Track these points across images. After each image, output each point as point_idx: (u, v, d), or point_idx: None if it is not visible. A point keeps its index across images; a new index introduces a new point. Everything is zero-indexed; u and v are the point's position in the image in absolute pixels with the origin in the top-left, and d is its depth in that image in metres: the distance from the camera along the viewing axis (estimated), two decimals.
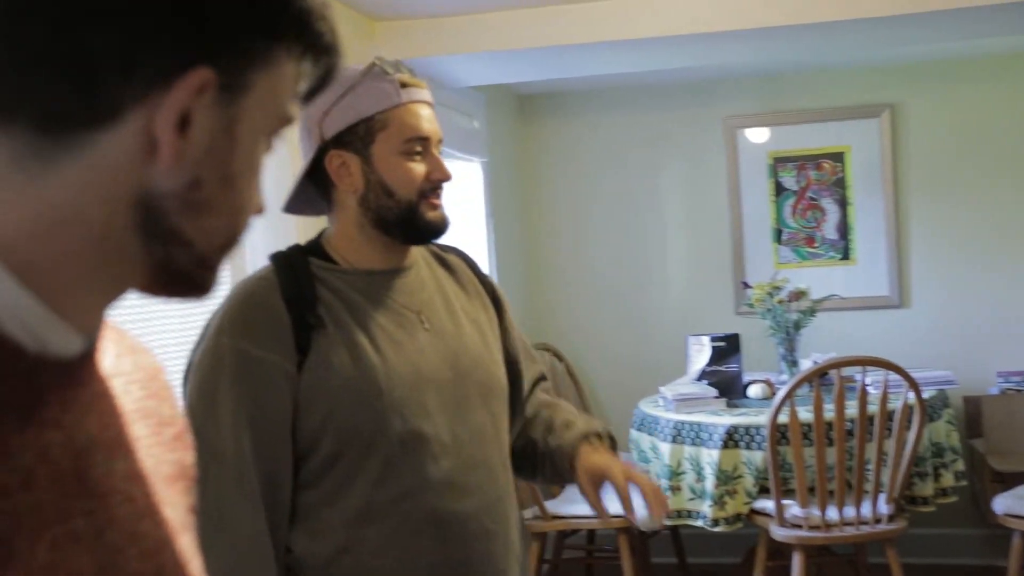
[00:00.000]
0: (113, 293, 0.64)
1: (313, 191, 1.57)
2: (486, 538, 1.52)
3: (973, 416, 4.24)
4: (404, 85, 1.51)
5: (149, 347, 0.79)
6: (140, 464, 0.67)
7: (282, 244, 1.61)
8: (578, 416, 1.74)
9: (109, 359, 0.68)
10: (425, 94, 1.55)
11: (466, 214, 4.11)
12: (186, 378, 1.48)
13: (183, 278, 0.64)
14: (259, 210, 0.68)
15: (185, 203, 0.62)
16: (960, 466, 3.73)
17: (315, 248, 1.56)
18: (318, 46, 0.67)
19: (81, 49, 0.58)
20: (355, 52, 1.54)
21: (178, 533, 0.69)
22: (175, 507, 0.70)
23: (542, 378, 1.79)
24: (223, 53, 0.61)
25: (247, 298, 1.49)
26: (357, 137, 1.49)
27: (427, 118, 1.53)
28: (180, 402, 1.53)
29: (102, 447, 0.64)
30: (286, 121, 0.68)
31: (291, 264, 1.51)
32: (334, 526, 1.46)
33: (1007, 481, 3.88)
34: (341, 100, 1.49)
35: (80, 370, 0.64)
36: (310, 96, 0.70)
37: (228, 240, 0.66)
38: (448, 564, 1.48)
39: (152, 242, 0.62)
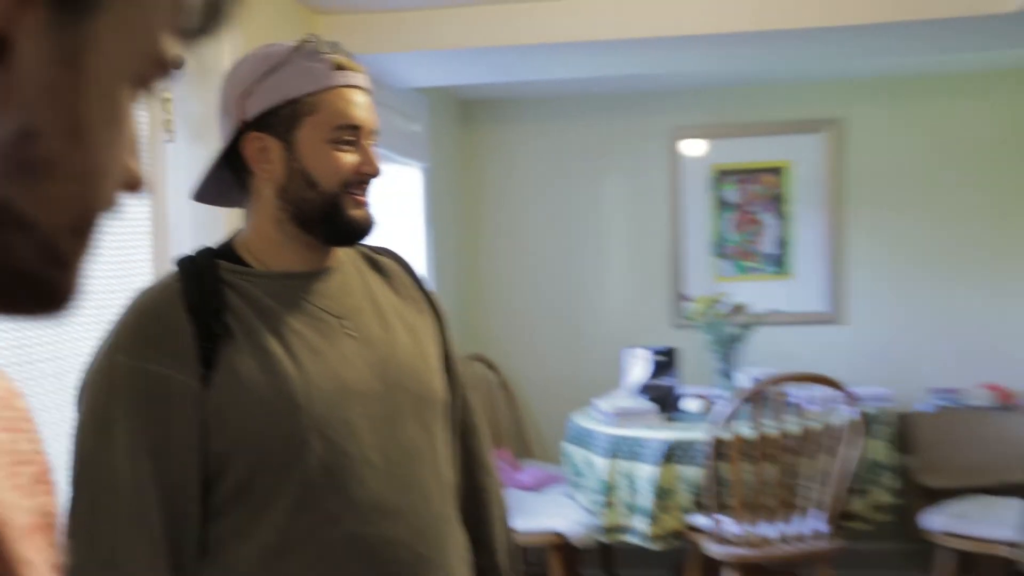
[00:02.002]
0: None
1: (230, 179, 1.40)
2: (419, 565, 1.35)
3: (906, 432, 4.25)
4: (339, 67, 1.36)
5: (2, 368, 0.62)
6: None
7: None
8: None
9: None
10: (362, 79, 1.39)
11: (404, 219, 4.00)
12: (79, 402, 1.30)
13: (26, 281, 0.45)
14: (134, 182, 0.49)
15: (15, 163, 0.43)
16: (894, 483, 3.75)
17: (226, 250, 1.39)
18: None
19: None
20: None
21: None
22: (34, 565, 0.57)
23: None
24: None
25: (145, 308, 1.31)
26: (281, 120, 1.33)
27: (362, 105, 1.37)
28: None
29: None
30: (161, 64, 0.48)
31: (197, 268, 1.34)
32: (248, 560, 1.29)
33: (937, 497, 3.91)
34: (267, 78, 1.33)
35: None
36: (198, 35, 0.51)
37: (83, 218, 0.46)
38: None
39: None
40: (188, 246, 2.11)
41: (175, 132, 2.36)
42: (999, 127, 4.46)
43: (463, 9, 3.09)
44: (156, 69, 0.48)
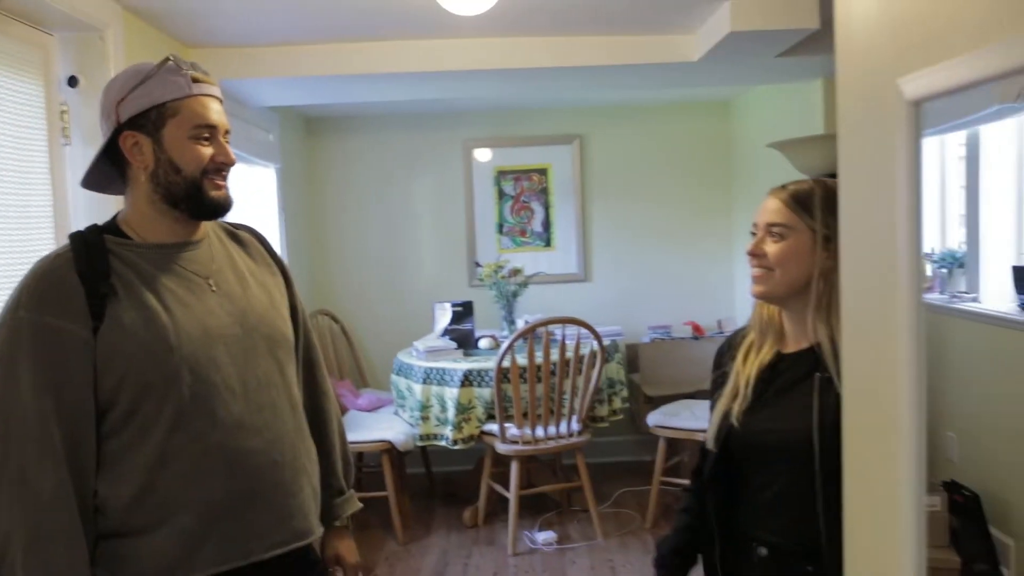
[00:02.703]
0: None
1: (111, 170, 1.33)
2: (274, 468, 1.31)
3: (632, 358, 4.42)
4: (196, 80, 1.29)
5: None
6: None
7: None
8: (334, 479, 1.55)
9: None
10: (215, 90, 1.32)
11: (263, 208, 3.88)
12: None
13: None
14: None
15: None
16: (625, 393, 3.89)
17: (111, 226, 1.32)
18: None
19: None
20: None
21: None
22: None
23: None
24: None
25: (43, 274, 1.24)
26: (150, 121, 1.27)
27: (215, 110, 1.31)
28: None
29: None
30: None
31: (86, 241, 1.27)
32: (135, 470, 1.23)
33: (654, 402, 4.08)
34: (137, 88, 1.27)
35: None
36: None
37: None
38: (239, 493, 1.28)
39: None
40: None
41: (71, 137, 2.22)
42: (694, 141, 4.67)
43: (307, 46, 3.03)
44: None
